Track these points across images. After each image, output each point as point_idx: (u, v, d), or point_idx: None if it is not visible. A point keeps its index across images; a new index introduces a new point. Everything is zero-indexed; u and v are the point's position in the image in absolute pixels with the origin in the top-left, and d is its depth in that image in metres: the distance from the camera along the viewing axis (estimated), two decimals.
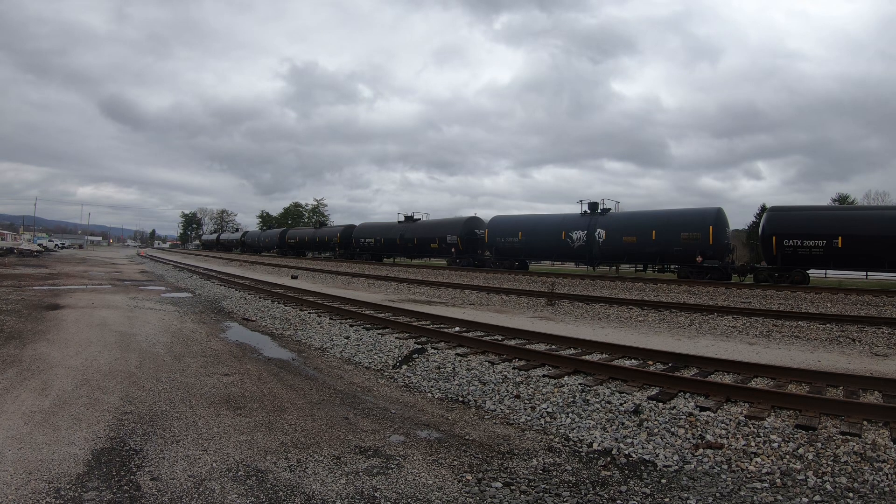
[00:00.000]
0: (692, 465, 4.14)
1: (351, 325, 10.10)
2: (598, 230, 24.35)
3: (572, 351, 7.81)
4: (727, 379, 6.34)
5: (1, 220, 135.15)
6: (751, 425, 4.62)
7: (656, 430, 4.72)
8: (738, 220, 60.74)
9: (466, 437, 4.74)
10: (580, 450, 4.53)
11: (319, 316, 11.46)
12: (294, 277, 24.45)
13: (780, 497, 3.61)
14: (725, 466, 4.09)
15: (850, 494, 3.62)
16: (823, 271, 22.96)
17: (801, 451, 4.18)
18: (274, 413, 5.14)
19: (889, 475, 3.80)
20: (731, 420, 4.75)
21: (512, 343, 8.20)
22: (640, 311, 13.07)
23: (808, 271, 19.43)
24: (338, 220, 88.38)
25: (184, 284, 21.01)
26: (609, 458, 4.33)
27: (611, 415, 5.13)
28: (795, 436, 4.39)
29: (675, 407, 5.13)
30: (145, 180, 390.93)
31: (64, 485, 3.45)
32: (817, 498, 3.59)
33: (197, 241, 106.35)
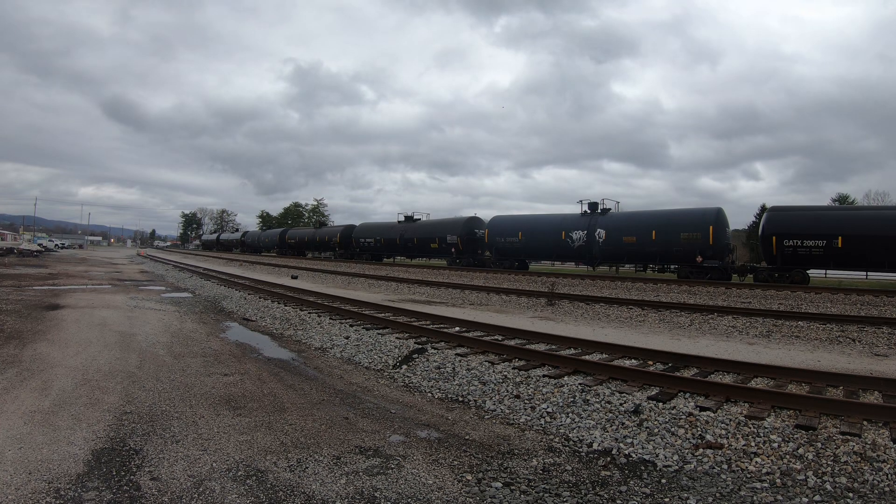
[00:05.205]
0: (692, 465, 4.14)
1: (351, 325, 10.10)
2: (598, 230, 24.34)
3: (572, 351, 7.81)
4: (727, 379, 6.34)
5: (1, 220, 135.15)
6: (751, 425, 4.62)
7: (656, 430, 4.72)
8: (738, 220, 60.72)
9: (466, 437, 4.74)
10: (580, 450, 4.53)
11: (319, 316, 11.46)
12: (294, 277, 24.45)
13: (780, 497, 3.61)
14: (725, 466, 4.09)
15: (850, 494, 3.62)
16: (823, 271, 22.95)
17: (801, 451, 4.18)
18: (274, 413, 5.14)
19: (889, 475, 3.80)
20: (731, 420, 4.75)
21: (512, 343, 8.20)
22: (640, 311, 13.07)
23: (808, 271, 19.43)
24: (339, 220, 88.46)
25: (184, 284, 21.01)
26: (609, 458, 4.33)
27: (611, 415, 5.12)
28: (795, 436, 4.39)
29: (675, 407, 5.13)
30: (147, 181, 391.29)
31: (64, 485, 3.45)
32: (817, 498, 3.59)
33: (197, 241, 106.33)
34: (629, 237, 23.43)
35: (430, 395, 6.21)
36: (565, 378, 6.19)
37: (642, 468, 4.13)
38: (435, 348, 7.89)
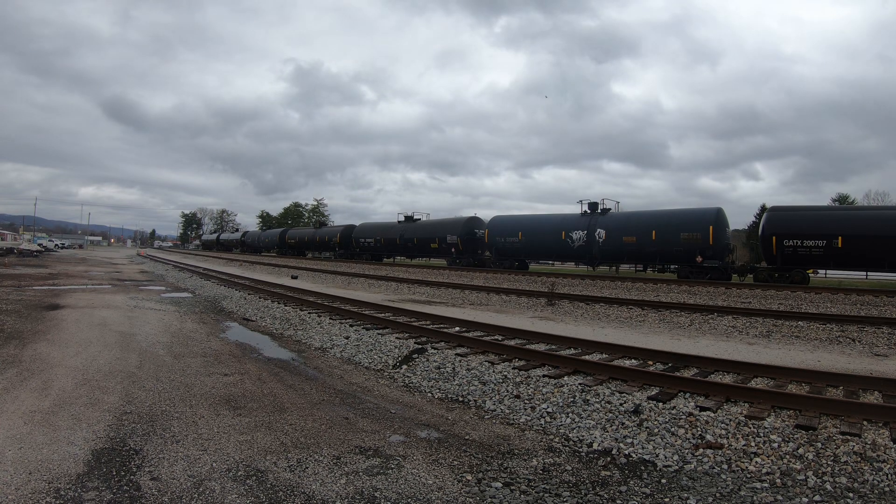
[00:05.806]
0: (692, 465, 4.14)
1: (351, 325, 10.10)
2: (598, 230, 24.34)
3: (572, 351, 7.81)
4: (727, 379, 6.34)
5: (1, 220, 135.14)
6: (751, 425, 4.62)
7: (656, 430, 4.72)
8: (738, 220, 60.66)
9: (466, 437, 4.74)
10: (580, 450, 4.53)
11: (319, 316, 11.46)
12: (294, 277, 24.45)
13: (780, 497, 3.61)
14: (725, 466, 4.09)
15: (850, 494, 3.62)
16: (823, 271, 22.94)
17: (801, 451, 4.19)
18: (274, 413, 5.15)
19: (889, 475, 3.80)
20: (731, 420, 4.75)
21: (512, 343, 8.20)
22: (640, 311, 13.07)
23: (807, 271, 19.43)
24: (339, 220, 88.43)
25: (184, 284, 21.01)
26: (609, 458, 4.33)
27: (611, 415, 5.12)
28: (795, 436, 4.39)
29: (675, 407, 5.13)
30: (147, 181, 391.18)
31: (64, 485, 3.45)
32: (817, 498, 3.59)
33: (197, 242, 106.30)
34: (629, 237, 23.43)
35: (430, 395, 6.22)
36: (565, 378, 6.19)
37: (642, 468, 4.13)
38: (435, 348, 7.89)
